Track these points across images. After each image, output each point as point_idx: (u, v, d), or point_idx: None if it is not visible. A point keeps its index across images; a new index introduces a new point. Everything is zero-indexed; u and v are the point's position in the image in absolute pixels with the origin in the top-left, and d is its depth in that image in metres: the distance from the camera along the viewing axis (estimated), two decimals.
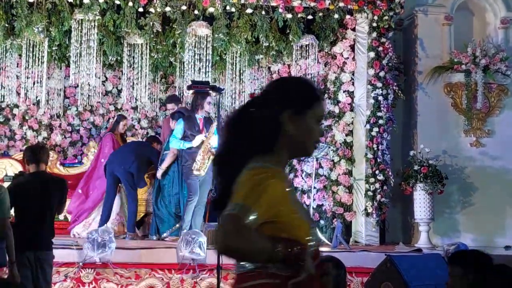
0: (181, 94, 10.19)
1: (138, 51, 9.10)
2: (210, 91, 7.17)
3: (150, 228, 8.77)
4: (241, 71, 9.69)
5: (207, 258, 7.02)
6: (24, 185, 5.61)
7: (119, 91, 10.71)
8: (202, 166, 8.15)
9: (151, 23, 8.35)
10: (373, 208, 8.74)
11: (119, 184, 8.81)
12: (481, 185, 9.59)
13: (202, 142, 8.19)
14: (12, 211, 5.55)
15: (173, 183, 8.59)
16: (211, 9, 8.25)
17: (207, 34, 8.50)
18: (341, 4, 8.52)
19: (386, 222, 9.32)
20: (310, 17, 8.62)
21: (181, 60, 9.43)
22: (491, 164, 9.69)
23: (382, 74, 8.88)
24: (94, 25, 8.31)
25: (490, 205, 9.47)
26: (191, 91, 8.02)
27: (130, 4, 8.12)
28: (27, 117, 10.52)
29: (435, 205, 8.98)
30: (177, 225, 8.42)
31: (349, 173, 9.05)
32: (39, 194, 5.56)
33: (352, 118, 9.09)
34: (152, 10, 8.27)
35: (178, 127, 8.35)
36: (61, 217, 8.46)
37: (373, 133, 8.83)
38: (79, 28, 8.29)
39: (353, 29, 9.02)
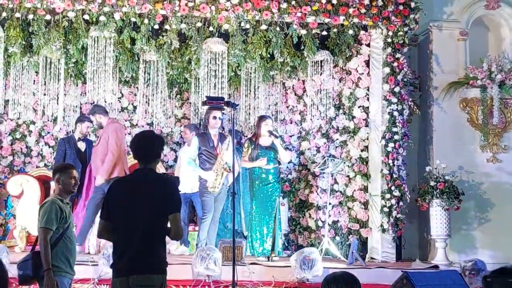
0: (196, 110, 10.23)
1: (154, 67, 9.15)
2: (225, 107, 7.18)
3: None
4: (256, 87, 9.72)
5: (222, 274, 7.01)
6: None
7: (135, 108, 10.77)
8: (216, 183, 8.15)
9: (169, 40, 8.42)
10: (389, 224, 8.68)
11: None
12: (498, 201, 9.52)
13: (216, 158, 8.20)
14: None
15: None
16: (226, 26, 8.29)
17: (222, 51, 8.54)
18: (356, 20, 8.53)
19: (402, 239, 9.26)
20: (324, 33, 8.64)
21: (196, 76, 9.47)
22: (508, 180, 9.62)
23: (397, 89, 8.86)
24: (110, 42, 8.38)
25: (507, 221, 9.40)
26: (205, 107, 8.06)
27: (146, 21, 8.19)
28: (43, 134, 10.58)
29: (452, 221, 8.92)
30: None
31: (365, 189, 9.00)
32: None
33: (367, 133, 9.06)
34: (167, 27, 8.33)
35: (193, 144, 8.37)
36: None
37: (389, 149, 8.79)
38: (95, 45, 8.36)
39: (368, 45, 9.02)
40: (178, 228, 4.38)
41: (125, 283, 4.23)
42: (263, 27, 8.41)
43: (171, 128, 11.00)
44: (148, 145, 4.50)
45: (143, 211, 4.28)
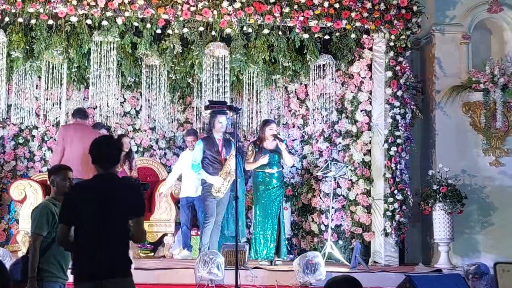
0: (199, 115, 10.22)
1: (156, 72, 9.17)
2: (227, 111, 7.19)
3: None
4: (258, 91, 9.72)
5: (225, 278, 7.00)
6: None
7: (137, 112, 10.78)
8: (222, 188, 8.13)
9: (172, 45, 8.43)
10: (392, 228, 8.68)
11: None
12: (500, 204, 9.50)
13: (222, 164, 8.17)
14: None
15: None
16: (228, 30, 8.31)
17: (224, 55, 8.55)
18: (358, 24, 8.54)
19: (405, 242, 9.25)
20: (327, 37, 8.65)
21: (199, 81, 9.48)
22: (511, 184, 9.60)
23: (399, 93, 8.86)
24: (113, 47, 8.39)
25: (510, 225, 9.37)
26: (208, 111, 8.06)
27: (148, 26, 8.20)
28: (46, 138, 10.60)
29: (455, 225, 8.90)
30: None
31: (368, 192, 9.01)
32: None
33: (370, 137, 9.07)
34: (170, 32, 8.34)
35: (197, 148, 8.35)
36: None
37: (391, 153, 8.79)
38: (98, 50, 8.37)
39: (370, 49, 9.04)
40: (141, 231, 4.39)
41: (95, 287, 4.16)
42: (265, 31, 8.42)
43: (174, 133, 11.01)
44: (109, 150, 4.43)
45: (112, 214, 4.23)
